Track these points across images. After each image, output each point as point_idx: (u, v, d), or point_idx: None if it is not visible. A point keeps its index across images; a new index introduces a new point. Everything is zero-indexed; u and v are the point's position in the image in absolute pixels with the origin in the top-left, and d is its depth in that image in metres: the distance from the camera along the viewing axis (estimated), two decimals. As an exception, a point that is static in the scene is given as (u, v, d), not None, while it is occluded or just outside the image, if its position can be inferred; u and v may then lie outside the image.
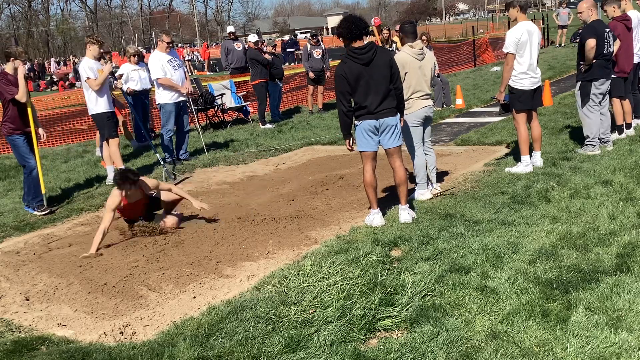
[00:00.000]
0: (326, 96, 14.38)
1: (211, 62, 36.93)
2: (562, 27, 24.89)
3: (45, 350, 3.71)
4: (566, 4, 26.77)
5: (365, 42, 5.37)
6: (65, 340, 3.90)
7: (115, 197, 5.81)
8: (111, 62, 8.03)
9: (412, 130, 6.11)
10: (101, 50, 8.15)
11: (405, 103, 5.99)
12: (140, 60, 11.50)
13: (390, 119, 5.41)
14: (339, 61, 5.61)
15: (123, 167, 8.00)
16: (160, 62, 8.88)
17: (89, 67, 7.87)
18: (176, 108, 9.05)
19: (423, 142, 6.24)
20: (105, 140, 8.18)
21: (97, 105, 7.98)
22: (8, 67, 7.08)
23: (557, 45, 24.49)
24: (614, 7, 7.78)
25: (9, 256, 5.80)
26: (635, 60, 8.09)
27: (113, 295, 4.65)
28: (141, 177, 5.96)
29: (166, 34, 9.04)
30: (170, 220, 6.13)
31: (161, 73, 8.86)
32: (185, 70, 9.28)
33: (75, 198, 7.65)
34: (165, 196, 6.19)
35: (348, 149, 5.68)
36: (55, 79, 36.08)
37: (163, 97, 8.99)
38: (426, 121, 6.21)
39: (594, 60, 7.00)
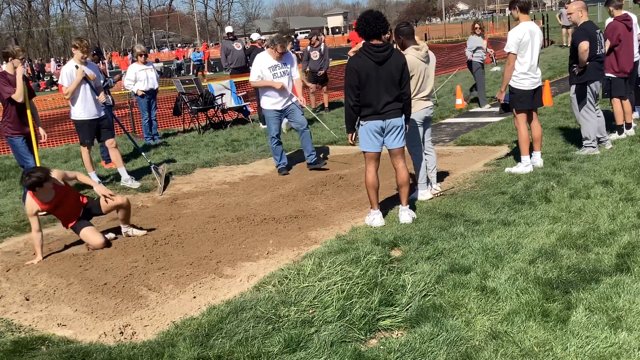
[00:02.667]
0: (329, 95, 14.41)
1: (211, 62, 36.94)
2: (566, 27, 24.79)
3: (45, 350, 3.71)
4: (567, 3, 26.74)
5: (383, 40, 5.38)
6: (65, 340, 3.90)
7: (29, 202, 5.57)
8: (82, 68, 7.55)
9: (413, 132, 6.13)
10: (86, 57, 7.76)
11: None
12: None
13: (396, 119, 5.41)
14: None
15: (93, 172, 7.92)
16: (260, 66, 8.10)
17: (68, 73, 7.60)
18: (280, 114, 8.27)
19: (423, 143, 6.25)
20: (81, 144, 8.00)
21: (73, 111, 7.76)
22: (8, 67, 7.07)
23: (564, 45, 24.16)
24: (616, 7, 7.77)
25: (9, 256, 5.80)
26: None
27: (113, 295, 4.65)
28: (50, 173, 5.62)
29: (281, 44, 8.04)
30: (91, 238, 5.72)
31: (255, 77, 8.19)
32: (291, 78, 8.31)
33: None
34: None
35: (350, 143, 5.73)
36: (55, 79, 36.08)
37: (264, 102, 8.30)
38: (426, 122, 6.21)
39: (588, 62, 6.98)
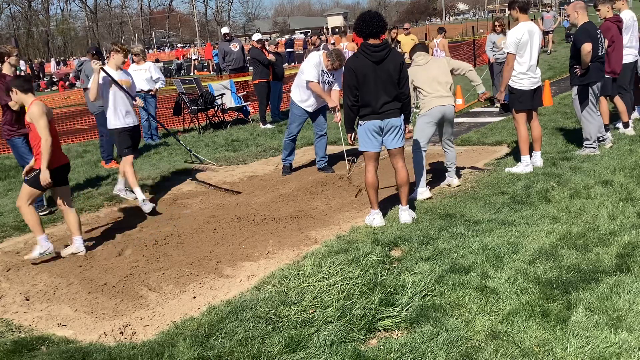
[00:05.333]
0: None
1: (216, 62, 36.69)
2: (547, 32, 22.42)
3: (45, 350, 3.71)
4: (550, 7, 25.67)
5: (381, 40, 5.41)
6: (65, 340, 3.90)
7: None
8: (99, 67, 6.90)
9: (422, 128, 6.19)
10: (125, 60, 7.21)
11: (421, 102, 6.28)
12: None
13: (395, 119, 5.42)
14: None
15: (138, 187, 6.94)
16: (316, 67, 7.81)
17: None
18: (306, 115, 8.17)
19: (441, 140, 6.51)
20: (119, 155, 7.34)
21: (107, 119, 7.08)
22: (5, 68, 7.02)
23: (548, 51, 22.30)
24: (608, 8, 7.75)
25: (9, 256, 5.80)
26: (631, 59, 8.10)
27: (113, 295, 4.65)
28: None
29: (339, 62, 7.64)
30: None
31: (315, 78, 7.82)
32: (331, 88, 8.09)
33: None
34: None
35: (350, 143, 5.78)
36: (55, 79, 36.09)
37: (297, 97, 8.11)
38: (444, 121, 6.33)
39: (590, 64, 6.97)
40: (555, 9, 43.96)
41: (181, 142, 8.28)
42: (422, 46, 6.76)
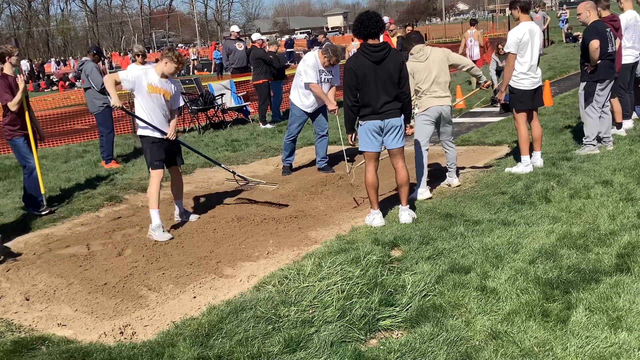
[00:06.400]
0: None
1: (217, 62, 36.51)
2: None
3: (45, 350, 3.71)
4: (539, 7, 25.85)
5: (381, 40, 5.42)
6: (65, 340, 3.90)
7: None
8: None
9: (421, 127, 6.19)
10: (176, 72, 6.36)
11: (419, 101, 6.26)
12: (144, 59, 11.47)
13: (395, 119, 5.42)
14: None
15: (156, 210, 5.90)
16: (313, 68, 7.77)
17: (134, 72, 6.13)
18: (306, 116, 8.17)
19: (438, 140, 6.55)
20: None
21: (139, 126, 6.20)
22: (6, 68, 7.02)
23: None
24: (604, 7, 7.76)
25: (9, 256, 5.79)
26: (631, 59, 8.09)
27: (113, 295, 4.65)
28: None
29: (336, 58, 7.70)
30: None
31: (314, 80, 7.78)
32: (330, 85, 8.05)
33: (75, 198, 7.65)
34: None
35: (350, 144, 5.77)
36: (55, 79, 36.07)
37: (296, 99, 8.07)
38: (442, 120, 6.33)
39: (599, 61, 6.98)
40: (555, 9, 43.87)
41: (223, 165, 7.58)
42: (418, 37, 6.56)
